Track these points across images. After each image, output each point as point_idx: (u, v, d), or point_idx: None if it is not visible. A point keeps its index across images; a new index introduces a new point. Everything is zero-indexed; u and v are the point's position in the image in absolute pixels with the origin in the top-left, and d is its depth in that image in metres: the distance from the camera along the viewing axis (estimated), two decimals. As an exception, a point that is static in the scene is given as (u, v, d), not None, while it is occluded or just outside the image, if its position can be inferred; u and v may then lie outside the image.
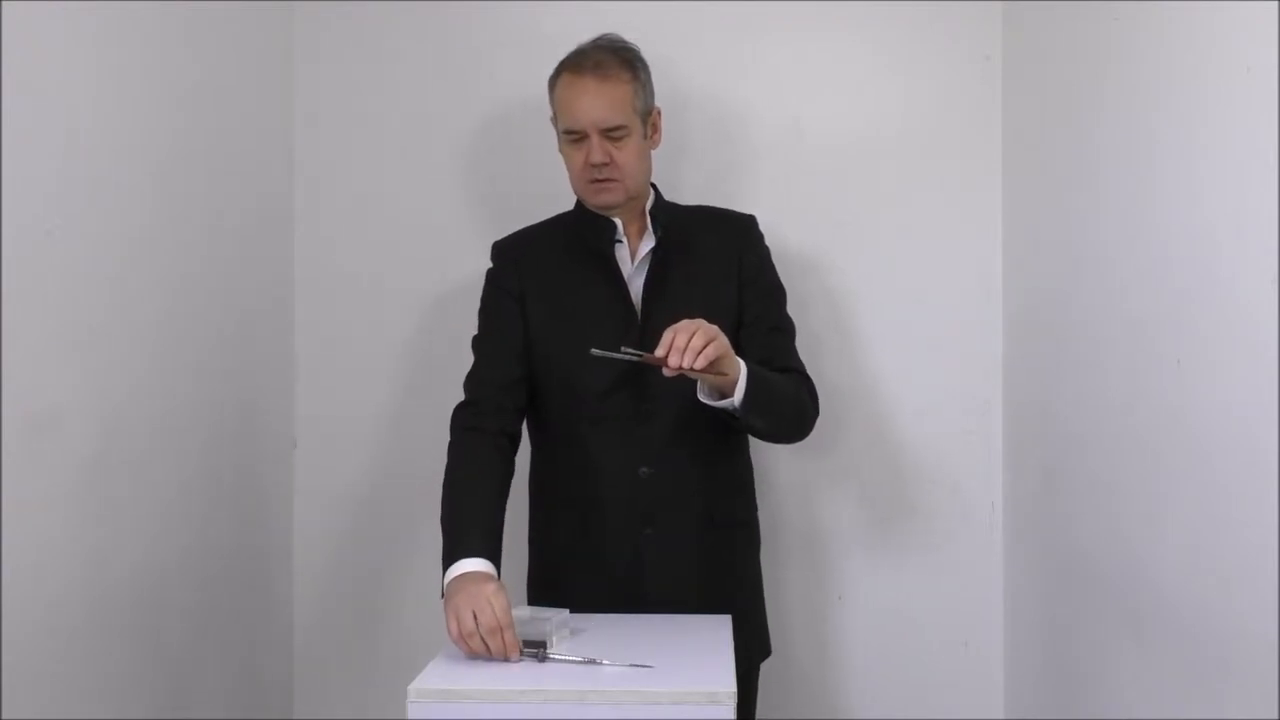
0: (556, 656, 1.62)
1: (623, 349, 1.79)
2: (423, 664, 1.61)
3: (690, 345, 1.73)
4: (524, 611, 1.70)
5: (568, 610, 1.73)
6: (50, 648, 1.72)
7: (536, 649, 1.62)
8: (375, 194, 2.56)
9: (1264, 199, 1.48)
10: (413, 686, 1.50)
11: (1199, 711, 1.67)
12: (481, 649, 1.65)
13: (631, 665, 1.57)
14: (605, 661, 1.59)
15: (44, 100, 1.70)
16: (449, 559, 1.82)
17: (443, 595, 1.78)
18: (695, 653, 1.67)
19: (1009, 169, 2.49)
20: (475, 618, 1.65)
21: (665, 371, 1.75)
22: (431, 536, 2.58)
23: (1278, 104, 1.45)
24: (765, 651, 2.15)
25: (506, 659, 1.65)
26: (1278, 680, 1.46)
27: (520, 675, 1.56)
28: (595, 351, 1.77)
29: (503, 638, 1.65)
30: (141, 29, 1.96)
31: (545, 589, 2.09)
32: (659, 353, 1.74)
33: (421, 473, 2.54)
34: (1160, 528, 1.79)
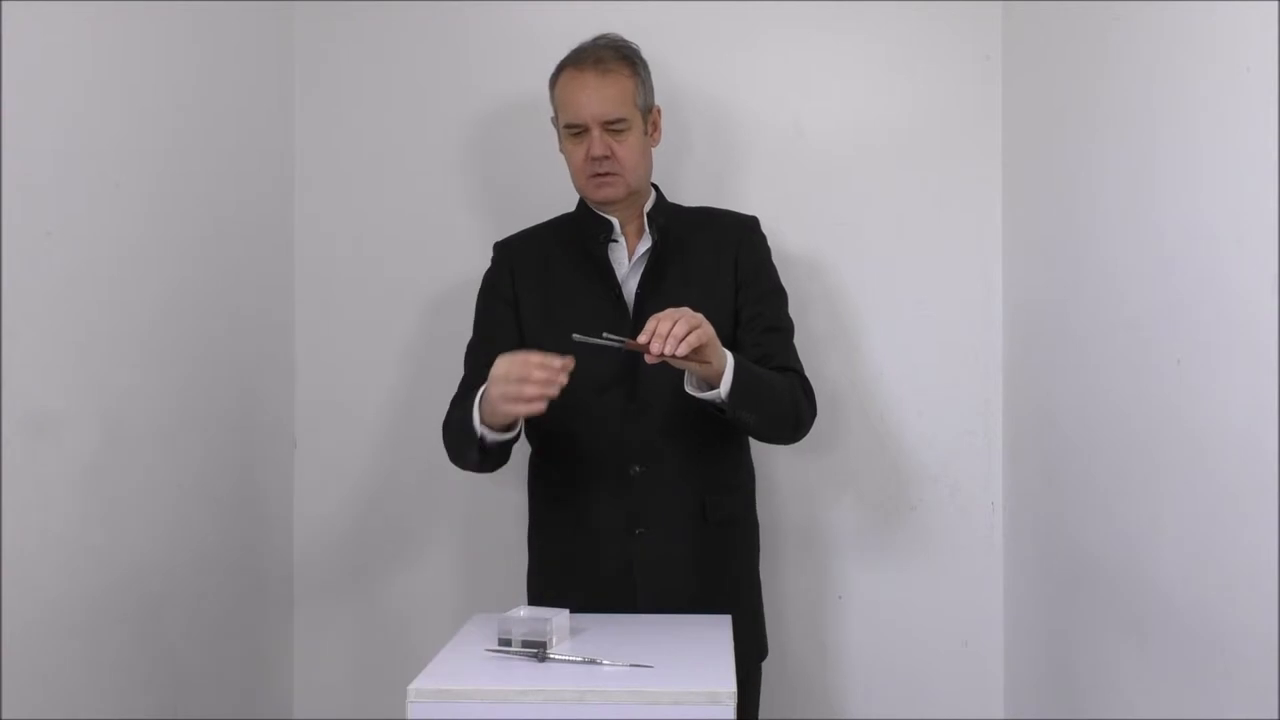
0: (556, 656, 1.62)
1: (605, 335, 1.79)
2: (423, 664, 1.61)
3: (672, 332, 1.74)
4: (524, 611, 1.70)
5: (567, 610, 1.73)
6: (50, 647, 1.72)
7: (536, 649, 1.62)
8: (375, 194, 2.56)
9: (1264, 199, 1.48)
10: (413, 686, 1.50)
11: (1199, 711, 1.67)
12: (529, 387, 1.74)
13: (631, 665, 1.57)
14: (605, 661, 1.59)
15: (44, 100, 1.70)
16: (471, 415, 1.87)
17: (481, 429, 1.86)
18: (695, 653, 1.67)
19: (1009, 169, 2.49)
20: (507, 383, 1.75)
21: (647, 358, 1.76)
22: (432, 536, 2.59)
23: (1278, 104, 1.45)
24: (762, 653, 2.14)
25: (558, 375, 1.75)
26: (1278, 680, 1.46)
27: (520, 675, 1.56)
28: (576, 337, 1.77)
29: (531, 363, 1.75)
30: (142, 29, 1.96)
31: (543, 588, 2.10)
32: (641, 339, 1.75)
33: (422, 473, 2.56)
34: (1160, 528, 1.79)
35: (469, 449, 1.91)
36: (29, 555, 1.65)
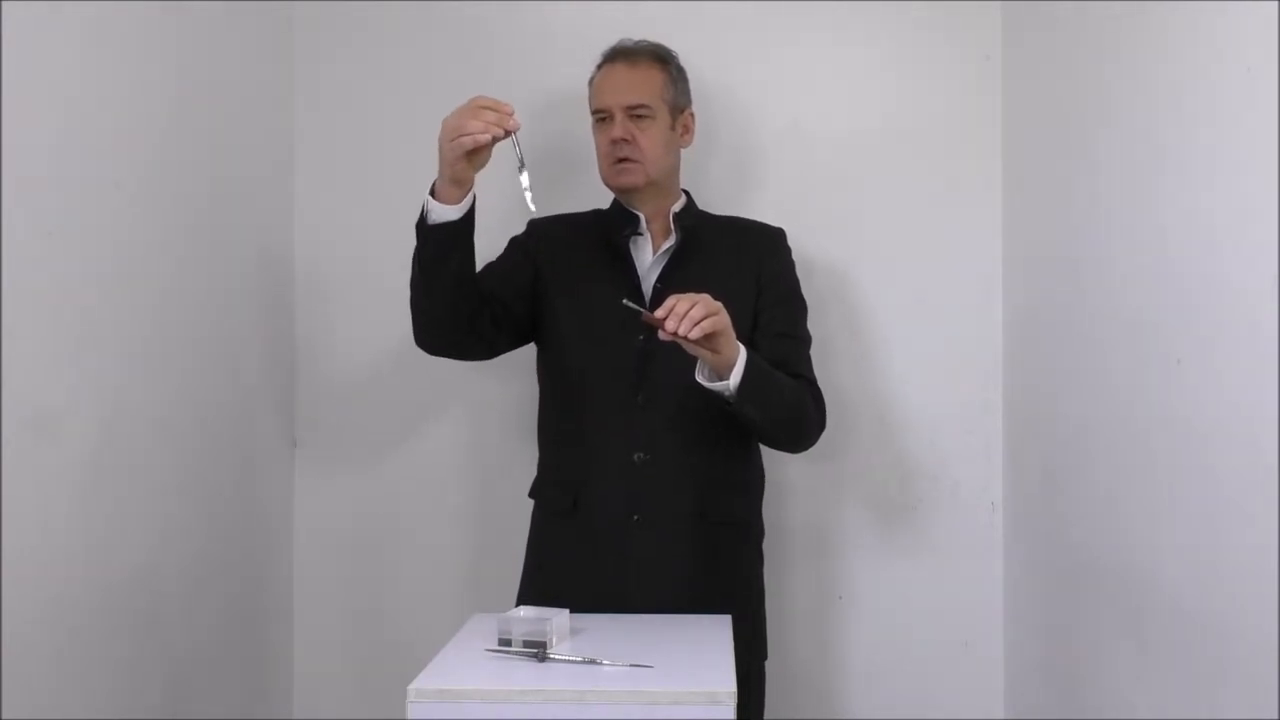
0: (556, 656, 1.62)
1: (625, 301, 1.84)
2: (423, 664, 1.61)
3: (689, 314, 1.76)
4: (524, 611, 1.70)
5: (568, 610, 1.73)
6: (50, 648, 1.72)
7: (536, 649, 1.62)
8: (375, 193, 2.55)
9: (1264, 199, 1.48)
10: (413, 686, 1.50)
11: (1199, 711, 1.67)
12: (483, 118, 1.78)
13: (631, 665, 1.57)
14: (605, 661, 1.59)
15: (44, 100, 1.70)
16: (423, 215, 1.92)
17: (422, 225, 1.91)
18: (695, 653, 1.67)
19: (1009, 169, 2.49)
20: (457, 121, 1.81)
21: (661, 335, 1.78)
22: (432, 536, 2.59)
23: (1278, 104, 1.45)
24: (761, 655, 2.14)
25: (509, 122, 1.79)
26: (1278, 680, 1.46)
27: (520, 675, 1.56)
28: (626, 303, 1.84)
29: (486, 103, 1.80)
30: (142, 30, 1.96)
31: (538, 572, 2.12)
32: (658, 313, 1.77)
33: (422, 473, 2.55)
34: (1160, 528, 1.79)
35: (418, 245, 1.94)
36: (29, 555, 1.65)
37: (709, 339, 1.79)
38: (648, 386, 2.03)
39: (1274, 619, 1.46)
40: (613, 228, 2.14)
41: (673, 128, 2.14)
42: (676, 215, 2.15)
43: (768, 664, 2.16)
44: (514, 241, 2.20)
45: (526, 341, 2.17)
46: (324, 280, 2.56)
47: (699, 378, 1.89)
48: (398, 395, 2.55)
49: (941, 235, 2.52)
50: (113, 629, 1.87)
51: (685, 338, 1.77)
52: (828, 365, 2.41)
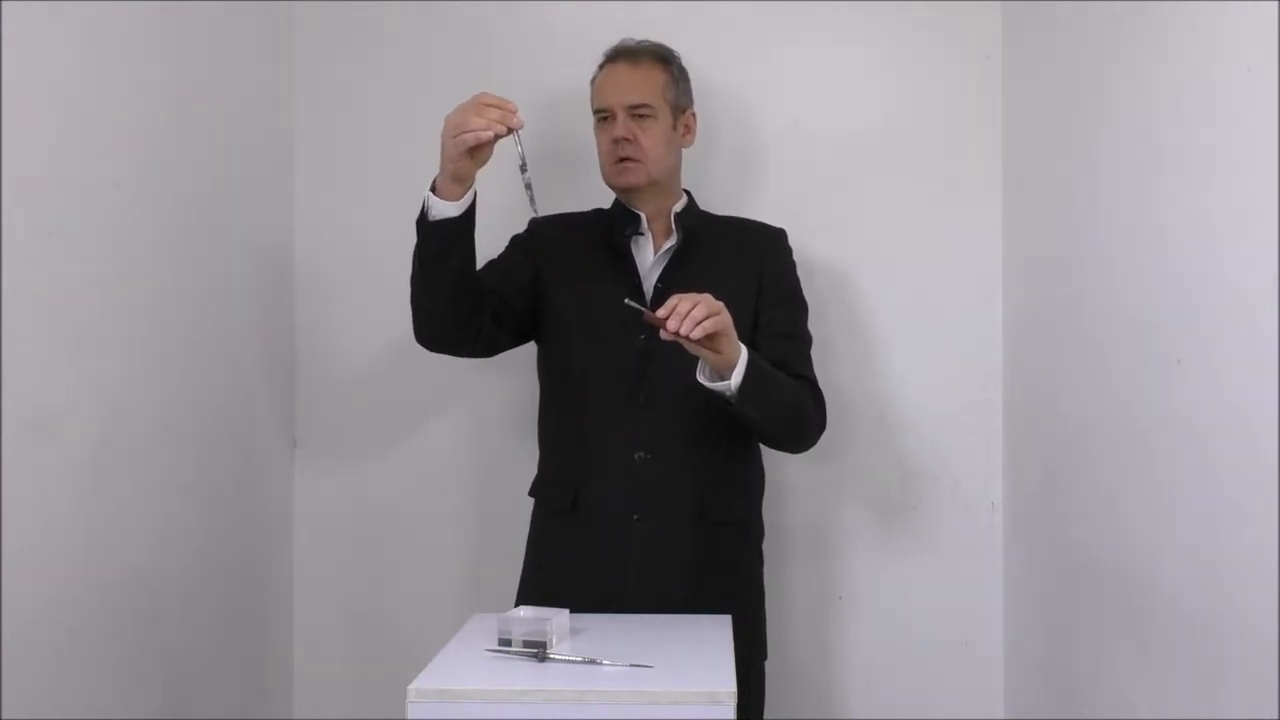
0: (556, 656, 1.62)
1: (627, 300, 1.84)
2: (423, 664, 1.61)
3: (691, 314, 1.76)
4: (524, 611, 1.70)
5: (567, 610, 1.73)
6: (50, 648, 1.72)
7: (536, 649, 1.62)
8: (375, 193, 2.55)
9: (1264, 199, 1.48)
10: (413, 686, 1.50)
11: (1199, 711, 1.67)
12: (486, 115, 1.78)
13: (631, 665, 1.57)
14: (605, 661, 1.59)
15: (44, 100, 1.70)
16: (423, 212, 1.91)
17: (423, 221, 1.90)
18: (695, 653, 1.67)
19: (1009, 169, 2.49)
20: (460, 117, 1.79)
21: (662, 334, 1.78)
22: (432, 536, 2.59)
23: (1278, 104, 1.45)
24: (761, 655, 2.14)
25: (513, 120, 1.79)
26: (1278, 680, 1.46)
27: (520, 675, 1.56)
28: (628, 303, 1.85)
29: (483, 99, 1.80)
30: (142, 30, 1.96)
31: (538, 571, 2.11)
32: (660, 313, 1.78)
33: (422, 473, 2.56)
34: (1160, 528, 1.79)
35: (418, 242, 1.93)
36: (29, 555, 1.65)
37: (710, 339, 1.80)
38: (648, 386, 2.03)
39: (1274, 619, 1.46)
40: (614, 227, 2.14)
41: (674, 127, 2.14)
42: (678, 215, 2.16)
43: (768, 664, 2.16)
44: (515, 240, 2.20)
45: (527, 339, 2.17)
46: (324, 280, 2.56)
47: (700, 378, 1.90)
48: (398, 395, 2.56)
49: (941, 235, 2.52)
50: (113, 629, 1.87)
51: (687, 337, 1.77)
52: (828, 365, 2.41)
